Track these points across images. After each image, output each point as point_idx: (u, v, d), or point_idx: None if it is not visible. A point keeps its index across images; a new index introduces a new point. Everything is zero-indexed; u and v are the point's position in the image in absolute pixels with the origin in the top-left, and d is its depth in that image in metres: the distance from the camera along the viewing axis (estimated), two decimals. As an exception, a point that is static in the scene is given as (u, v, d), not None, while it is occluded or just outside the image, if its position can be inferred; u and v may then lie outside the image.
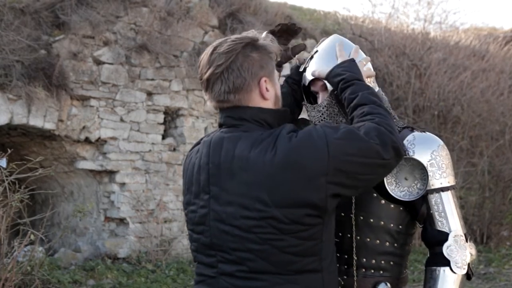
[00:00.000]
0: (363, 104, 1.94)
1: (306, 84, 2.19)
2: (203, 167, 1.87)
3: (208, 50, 1.89)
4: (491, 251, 8.73)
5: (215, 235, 1.83)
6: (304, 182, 1.75)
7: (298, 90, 2.31)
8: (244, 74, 1.83)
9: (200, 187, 1.87)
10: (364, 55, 2.23)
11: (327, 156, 1.76)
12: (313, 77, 2.16)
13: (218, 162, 1.83)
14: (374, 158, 1.82)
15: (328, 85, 2.13)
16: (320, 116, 2.15)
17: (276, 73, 1.95)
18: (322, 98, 2.17)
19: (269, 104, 1.90)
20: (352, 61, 2.07)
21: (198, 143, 2.00)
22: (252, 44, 1.87)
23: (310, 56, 2.21)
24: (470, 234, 9.51)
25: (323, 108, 2.15)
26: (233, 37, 1.90)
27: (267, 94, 1.88)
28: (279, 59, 2.06)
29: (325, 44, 2.22)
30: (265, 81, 1.87)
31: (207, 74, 1.85)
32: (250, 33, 1.93)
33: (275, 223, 1.75)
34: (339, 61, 2.09)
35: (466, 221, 9.01)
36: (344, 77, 2.00)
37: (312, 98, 2.27)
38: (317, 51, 2.21)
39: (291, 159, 1.75)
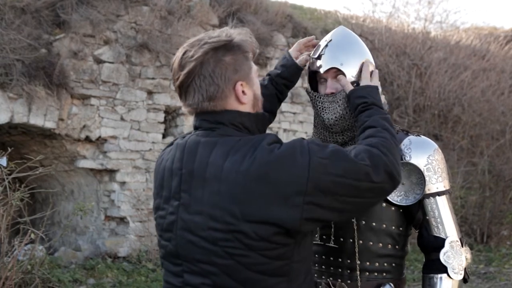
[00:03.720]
0: (371, 126, 1.91)
1: (322, 71, 2.15)
2: (175, 172, 1.77)
3: (179, 53, 1.77)
4: (491, 251, 8.72)
5: (181, 245, 1.74)
6: (278, 199, 1.64)
7: (285, 91, 2.29)
8: (217, 80, 1.72)
9: (171, 193, 1.78)
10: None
11: (307, 174, 1.64)
12: (330, 67, 2.13)
13: (192, 169, 1.72)
14: (362, 181, 1.70)
15: (345, 74, 2.12)
16: (336, 107, 2.13)
17: (254, 72, 1.81)
18: (330, 86, 2.15)
19: (246, 108, 1.79)
20: (376, 88, 2.05)
21: (171, 144, 1.90)
22: (224, 47, 1.74)
23: (325, 44, 2.18)
24: (470, 233, 9.49)
25: (340, 100, 2.12)
26: (206, 38, 1.76)
27: (244, 98, 1.77)
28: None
29: (337, 34, 2.21)
30: (241, 84, 1.76)
31: (179, 81, 1.75)
32: (225, 31, 1.78)
33: (243, 238, 1.64)
34: (364, 82, 2.07)
35: (466, 220, 9.01)
36: (366, 100, 1.99)
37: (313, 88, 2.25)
38: (331, 40, 2.18)
39: (268, 173, 1.64)
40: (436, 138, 9.95)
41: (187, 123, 8.20)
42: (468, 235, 8.86)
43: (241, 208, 1.64)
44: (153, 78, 7.95)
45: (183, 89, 1.77)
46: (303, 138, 1.78)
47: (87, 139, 7.54)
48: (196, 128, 1.83)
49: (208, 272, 1.69)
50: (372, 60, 2.22)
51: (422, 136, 2.20)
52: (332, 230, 2.13)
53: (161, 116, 8.06)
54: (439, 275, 2.10)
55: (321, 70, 2.16)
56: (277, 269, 1.70)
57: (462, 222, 8.77)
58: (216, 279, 1.69)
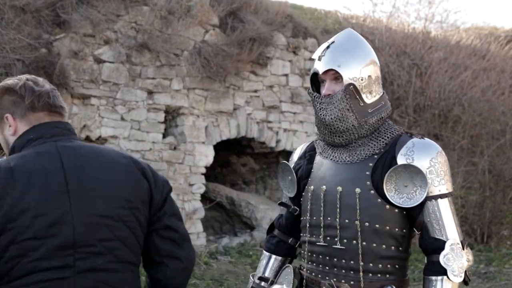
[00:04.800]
0: None
1: (321, 73, 2.19)
2: (55, 171, 1.88)
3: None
4: (492, 251, 8.72)
5: (79, 231, 1.86)
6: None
7: None
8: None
9: (50, 191, 1.85)
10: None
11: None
12: (328, 68, 2.17)
13: (78, 165, 1.93)
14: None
15: (342, 76, 2.14)
16: (332, 108, 2.16)
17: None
18: (327, 87, 2.19)
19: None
20: None
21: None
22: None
23: (327, 46, 2.21)
24: (470, 233, 9.46)
25: (336, 101, 2.16)
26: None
27: None
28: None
29: (341, 36, 2.24)
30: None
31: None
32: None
33: (138, 214, 1.98)
34: None
35: (467, 220, 9.01)
36: None
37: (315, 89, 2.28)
38: (333, 42, 2.21)
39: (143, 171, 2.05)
40: (436, 138, 9.95)
41: (187, 123, 8.20)
42: (468, 235, 8.86)
43: (133, 190, 1.98)
44: (153, 78, 7.95)
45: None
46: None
47: (88, 139, 7.54)
48: (41, 136, 1.97)
49: (112, 248, 1.92)
50: (377, 61, 2.23)
51: (426, 139, 2.20)
52: (338, 231, 2.14)
53: (161, 116, 8.06)
54: (439, 277, 2.10)
55: (320, 71, 2.18)
56: (140, 242, 2.05)
57: (462, 222, 8.77)
58: (120, 253, 1.94)
